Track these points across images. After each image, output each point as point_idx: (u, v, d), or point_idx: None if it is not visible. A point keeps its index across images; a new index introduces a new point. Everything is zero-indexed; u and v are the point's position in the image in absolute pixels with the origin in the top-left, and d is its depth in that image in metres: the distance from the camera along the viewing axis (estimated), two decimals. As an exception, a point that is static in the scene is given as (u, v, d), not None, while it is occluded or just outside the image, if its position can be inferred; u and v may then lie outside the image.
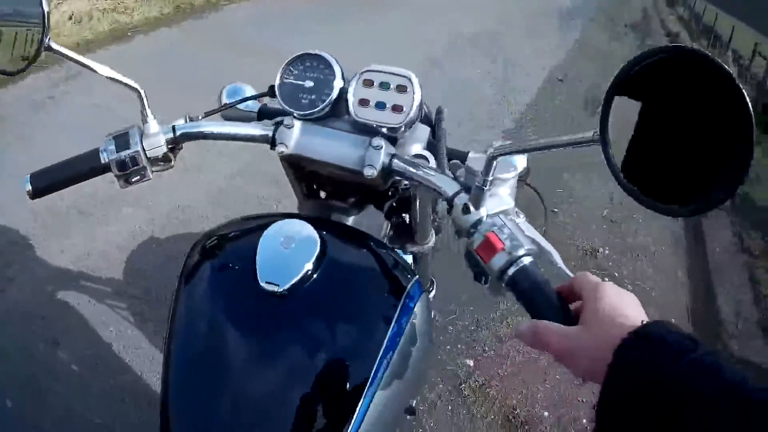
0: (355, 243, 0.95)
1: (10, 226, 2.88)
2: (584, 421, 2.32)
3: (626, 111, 0.57)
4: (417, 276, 0.92)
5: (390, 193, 1.08)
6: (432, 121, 1.00)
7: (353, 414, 0.78)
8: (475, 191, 0.76)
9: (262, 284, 0.81)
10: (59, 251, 2.77)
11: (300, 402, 0.77)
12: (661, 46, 0.55)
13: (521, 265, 0.70)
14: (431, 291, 1.59)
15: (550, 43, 7.52)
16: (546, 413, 2.30)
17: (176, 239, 2.89)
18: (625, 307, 0.63)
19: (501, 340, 2.59)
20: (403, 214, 1.18)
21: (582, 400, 2.37)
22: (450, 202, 0.81)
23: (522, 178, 0.90)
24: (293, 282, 0.81)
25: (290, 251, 0.83)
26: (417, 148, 0.96)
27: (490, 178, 0.74)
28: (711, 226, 4.03)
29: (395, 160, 0.87)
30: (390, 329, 0.83)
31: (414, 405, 1.38)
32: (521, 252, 0.70)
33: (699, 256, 3.76)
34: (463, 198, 0.79)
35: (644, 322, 0.59)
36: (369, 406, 0.79)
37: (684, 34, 12.79)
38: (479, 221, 0.75)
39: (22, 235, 2.85)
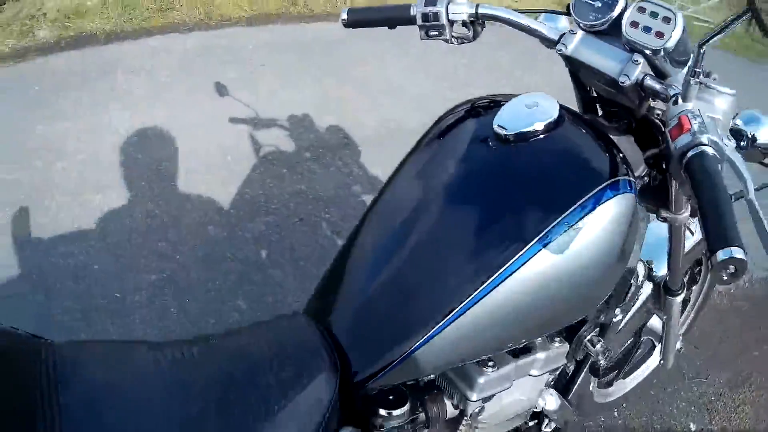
0: (589, 131, 1.00)
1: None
2: None
3: None
4: (627, 177, 0.94)
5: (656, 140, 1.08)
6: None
7: (493, 274, 0.85)
8: (684, 83, 0.83)
9: (494, 126, 0.94)
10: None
11: (446, 236, 0.91)
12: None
13: (701, 150, 0.74)
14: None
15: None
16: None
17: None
18: None
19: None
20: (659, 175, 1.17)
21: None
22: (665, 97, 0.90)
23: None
24: (519, 131, 0.92)
25: (531, 111, 0.95)
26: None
27: (699, 69, 0.82)
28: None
29: (648, 79, 0.93)
30: (561, 217, 0.86)
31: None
32: (704, 138, 0.75)
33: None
34: (675, 89, 0.87)
35: None
36: (501, 282, 0.85)
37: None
38: (681, 109, 0.81)
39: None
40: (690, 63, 0.84)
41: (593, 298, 0.99)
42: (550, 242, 0.86)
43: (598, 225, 0.89)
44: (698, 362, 2.28)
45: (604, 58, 0.99)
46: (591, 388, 1.74)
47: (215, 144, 2.83)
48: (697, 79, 0.82)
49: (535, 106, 0.96)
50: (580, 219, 0.87)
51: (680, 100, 0.84)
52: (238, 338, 0.92)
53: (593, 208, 0.88)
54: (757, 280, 2.70)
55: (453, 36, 1.12)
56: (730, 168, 0.80)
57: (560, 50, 1.01)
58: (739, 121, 0.95)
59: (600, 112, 1.15)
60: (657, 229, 1.31)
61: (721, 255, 0.65)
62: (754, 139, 0.94)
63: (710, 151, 0.75)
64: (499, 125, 0.94)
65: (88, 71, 3.23)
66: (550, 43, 1.05)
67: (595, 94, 1.13)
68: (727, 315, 2.52)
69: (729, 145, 0.83)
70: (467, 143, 0.99)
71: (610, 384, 1.89)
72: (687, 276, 1.82)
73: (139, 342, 0.93)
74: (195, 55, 3.48)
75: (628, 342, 1.69)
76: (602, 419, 1.99)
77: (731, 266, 0.65)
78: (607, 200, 0.89)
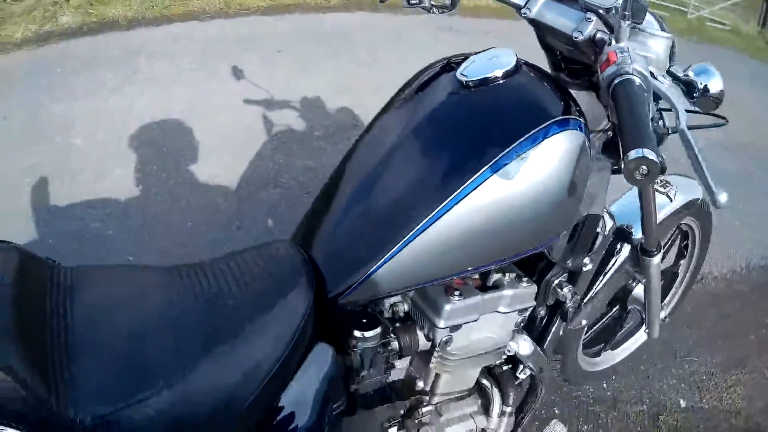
0: (545, 79, 1.11)
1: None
2: None
3: None
4: (577, 118, 1.02)
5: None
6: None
7: (447, 198, 0.94)
8: (615, 25, 0.94)
9: (458, 75, 1.05)
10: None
11: (411, 165, 1.02)
12: None
13: (626, 78, 0.85)
14: None
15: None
16: None
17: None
18: None
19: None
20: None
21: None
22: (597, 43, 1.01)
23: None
24: (480, 78, 1.03)
25: (491, 61, 1.06)
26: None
27: (627, 12, 0.90)
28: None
29: (599, 33, 1.02)
30: (511, 147, 0.95)
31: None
32: (629, 68, 0.86)
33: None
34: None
35: None
36: (455, 206, 0.94)
37: None
38: (612, 48, 0.92)
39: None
40: (620, 7, 0.93)
41: (546, 231, 1.06)
42: (499, 169, 0.95)
43: (545, 157, 0.97)
44: (690, 342, 2.31)
45: (562, 18, 1.10)
46: (577, 354, 1.79)
47: (233, 123, 2.92)
48: (628, 22, 0.92)
49: (495, 58, 1.07)
50: (529, 149, 0.96)
51: (613, 42, 0.94)
52: (229, 260, 1.00)
53: (541, 141, 0.97)
54: (755, 267, 2.74)
55: (433, 5, 1.25)
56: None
57: (525, 14, 1.14)
58: (691, 73, 1.05)
59: (566, 72, 1.24)
60: (635, 194, 1.37)
61: (633, 154, 0.74)
62: (706, 89, 1.03)
63: (636, 80, 0.85)
64: (461, 74, 1.05)
65: (111, 55, 3.34)
66: (518, 9, 1.16)
67: (560, 56, 1.22)
68: (723, 299, 2.56)
69: (664, 82, 0.95)
70: (433, 90, 1.11)
71: (597, 354, 1.94)
72: (675, 246, 1.88)
73: (142, 266, 1.04)
74: (216, 42, 3.58)
75: (614, 310, 1.75)
76: (591, 390, 2.03)
77: (643, 166, 0.73)
78: (554, 134, 0.98)
